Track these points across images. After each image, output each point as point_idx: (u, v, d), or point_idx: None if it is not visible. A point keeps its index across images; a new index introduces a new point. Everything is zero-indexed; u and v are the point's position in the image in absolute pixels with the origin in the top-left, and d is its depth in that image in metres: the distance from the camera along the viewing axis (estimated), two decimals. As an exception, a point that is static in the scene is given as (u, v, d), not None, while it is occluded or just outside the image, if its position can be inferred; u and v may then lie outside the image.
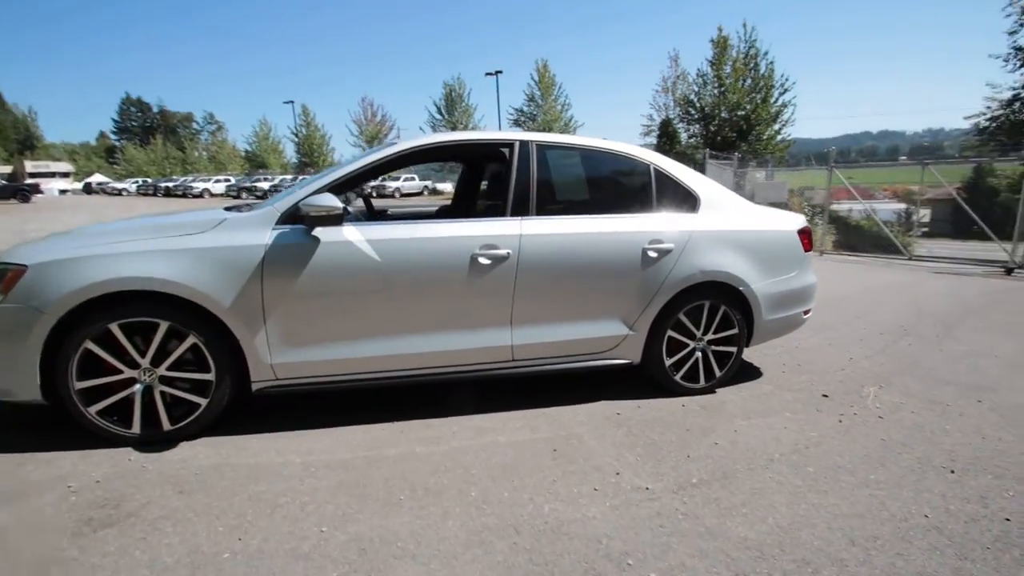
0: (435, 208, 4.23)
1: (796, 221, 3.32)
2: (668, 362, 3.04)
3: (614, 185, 3.13)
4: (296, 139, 44.52)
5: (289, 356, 2.45)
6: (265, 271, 2.36)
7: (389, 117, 42.50)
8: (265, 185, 32.56)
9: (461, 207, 4.07)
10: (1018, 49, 18.21)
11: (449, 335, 2.64)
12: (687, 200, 3.07)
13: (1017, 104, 18.60)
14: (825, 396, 3.18)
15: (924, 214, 18.01)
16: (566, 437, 2.57)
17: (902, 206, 19.20)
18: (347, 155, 50.72)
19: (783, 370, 3.63)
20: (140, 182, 42.13)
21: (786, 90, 24.33)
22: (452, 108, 37.41)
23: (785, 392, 3.24)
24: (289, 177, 35.69)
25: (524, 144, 2.81)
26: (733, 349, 3.16)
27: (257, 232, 2.41)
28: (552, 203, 2.86)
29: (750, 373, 3.53)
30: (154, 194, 37.13)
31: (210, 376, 2.38)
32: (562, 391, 3.10)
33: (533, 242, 2.68)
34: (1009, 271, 8.69)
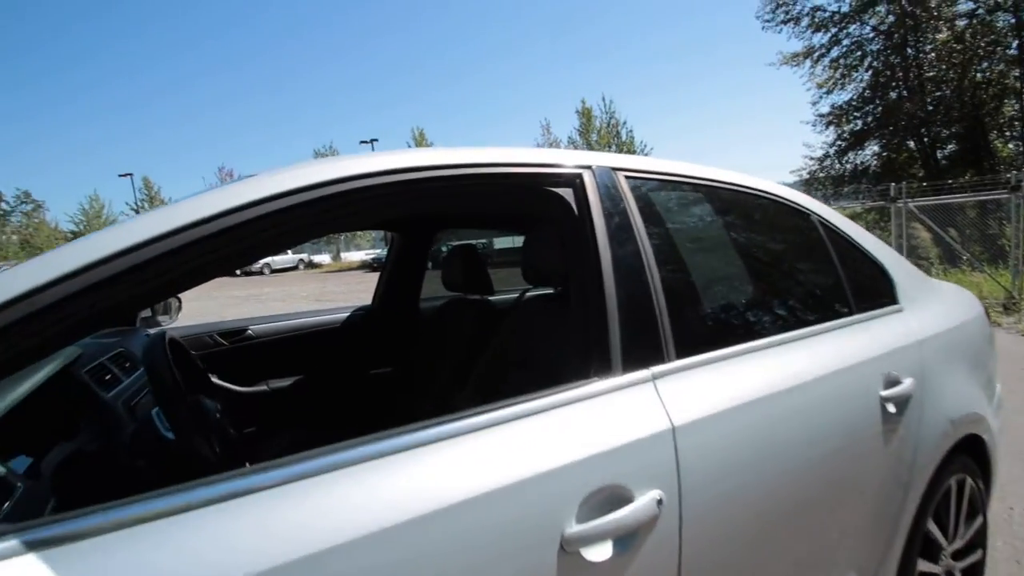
0: (344, 314, 2.25)
1: (973, 298, 1.96)
2: (916, 624, 1.37)
3: (780, 262, 1.49)
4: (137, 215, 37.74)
5: None
6: None
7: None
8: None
9: (403, 312, 2.15)
10: (820, 116, 21.15)
11: None
12: (881, 282, 1.52)
13: (827, 160, 21.46)
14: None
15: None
16: None
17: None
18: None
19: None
20: (-86, 277, 31.88)
21: (646, 155, 26.03)
22: (324, 177, 34.54)
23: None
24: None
25: (605, 176, 1.06)
26: (979, 554, 1.60)
27: None
28: (697, 320, 1.10)
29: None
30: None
31: None
32: None
33: (703, 446, 0.89)
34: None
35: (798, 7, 19.38)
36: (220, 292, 16.17)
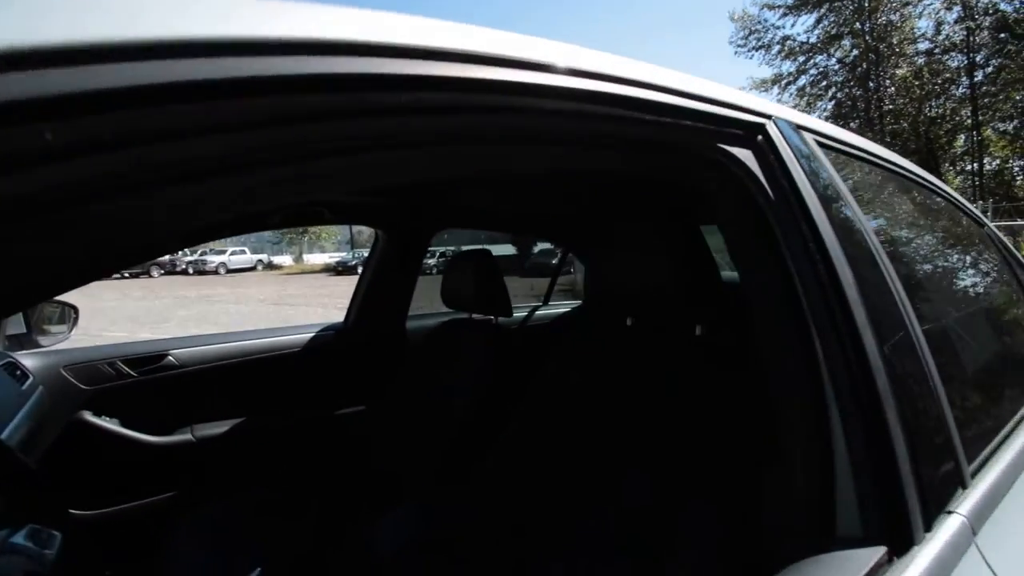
0: (306, 334, 1.69)
1: None
2: None
3: (994, 293, 1.04)
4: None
5: None
6: None
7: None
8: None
9: (384, 334, 1.63)
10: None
11: None
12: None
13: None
14: None
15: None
16: None
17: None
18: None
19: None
20: None
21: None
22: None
23: None
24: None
25: (793, 137, 0.60)
26: None
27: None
28: (967, 394, 0.64)
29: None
30: None
31: None
32: None
33: None
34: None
35: (769, 35, 19.93)
36: (168, 292, 14.96)
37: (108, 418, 1.36)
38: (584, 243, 2.03)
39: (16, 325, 1.41)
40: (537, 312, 2.24)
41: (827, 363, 0.46)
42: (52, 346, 1.45)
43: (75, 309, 1.58)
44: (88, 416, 1.33)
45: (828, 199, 0.56)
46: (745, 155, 0.54)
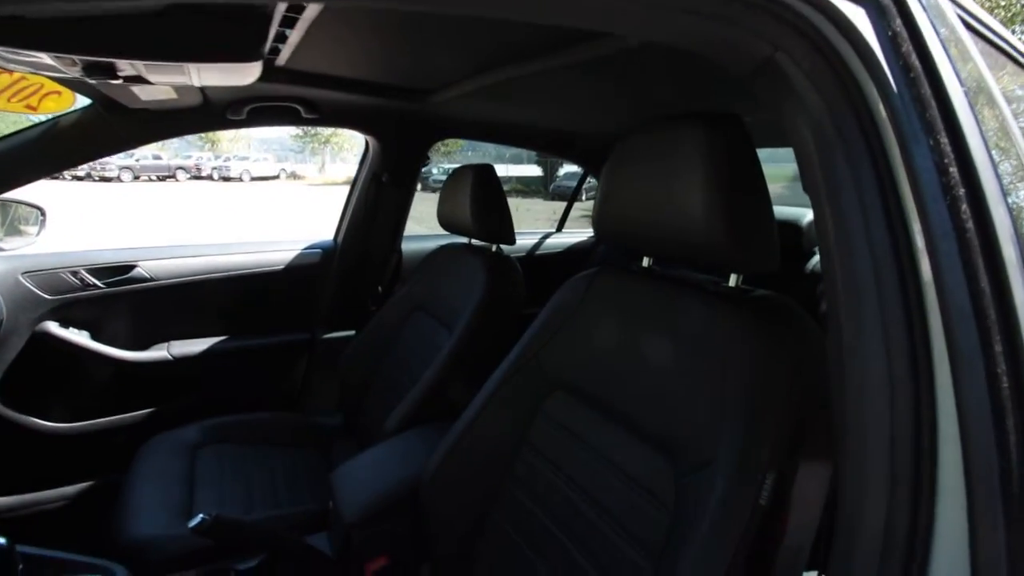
0: (290, 252, 1.54)
1: None
2: None
3: None
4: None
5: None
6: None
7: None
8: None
9: (376, 255, 1.48)
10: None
11: None
12: None
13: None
14: None
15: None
16: None
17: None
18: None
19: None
20: None
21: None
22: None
23: None
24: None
25: (931, 4, 0.38)
26: None
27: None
28: None
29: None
30: None
31: None
32: None
33: None
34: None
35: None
36: (193, 198, 14.98)
37: (76, 330, 1.27)
38: (599, 159, 1.79)
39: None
40: (548, 240, 2.05)
41: (957, 369, 0.28)
42: (15, 249, 1.33)
43: (42, 211, 1.44)
44: (54, 328, 1.24)
45: (982, 106, 0.34)
46: (855, 13, 0.33)
